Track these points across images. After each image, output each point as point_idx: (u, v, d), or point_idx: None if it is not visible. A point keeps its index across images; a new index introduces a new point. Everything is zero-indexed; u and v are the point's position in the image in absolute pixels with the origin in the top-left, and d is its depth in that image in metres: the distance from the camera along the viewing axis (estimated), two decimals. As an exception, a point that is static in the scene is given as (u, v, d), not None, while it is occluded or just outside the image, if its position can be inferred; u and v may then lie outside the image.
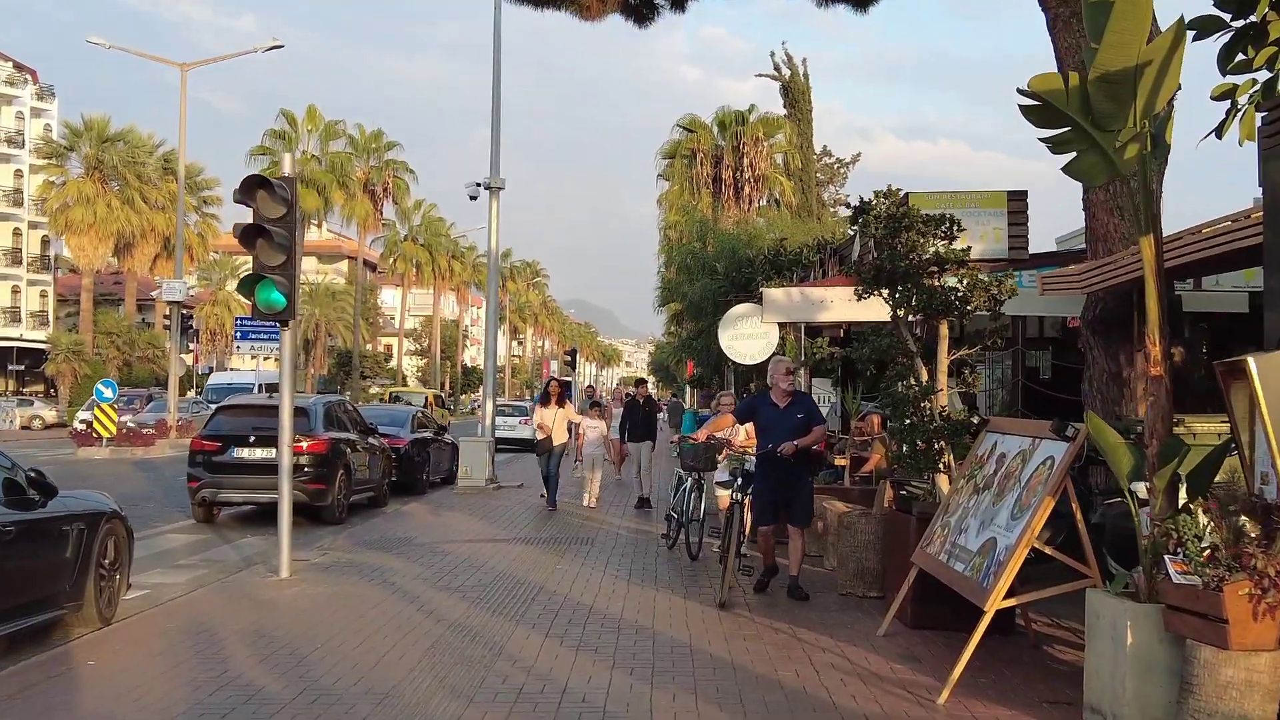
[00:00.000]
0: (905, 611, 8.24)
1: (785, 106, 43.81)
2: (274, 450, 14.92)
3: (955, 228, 8.57)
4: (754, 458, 9.80)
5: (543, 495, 17.47)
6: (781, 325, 14.02)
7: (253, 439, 15.41)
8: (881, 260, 8.41)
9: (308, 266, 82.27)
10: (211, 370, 62.80)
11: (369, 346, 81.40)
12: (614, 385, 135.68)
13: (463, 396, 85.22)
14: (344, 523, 15.62)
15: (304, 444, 15.40)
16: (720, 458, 11.21)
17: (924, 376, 8.55)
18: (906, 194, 9.93)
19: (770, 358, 14.07)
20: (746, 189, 39.96)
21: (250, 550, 13.04)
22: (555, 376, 20.06)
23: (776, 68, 44.60)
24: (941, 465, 8.39)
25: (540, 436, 17.12)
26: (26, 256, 62.85)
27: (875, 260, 8.51)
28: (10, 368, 60.85)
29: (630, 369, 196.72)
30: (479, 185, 22.15)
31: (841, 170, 54.75)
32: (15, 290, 62.39)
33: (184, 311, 37.57)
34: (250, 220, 10.30)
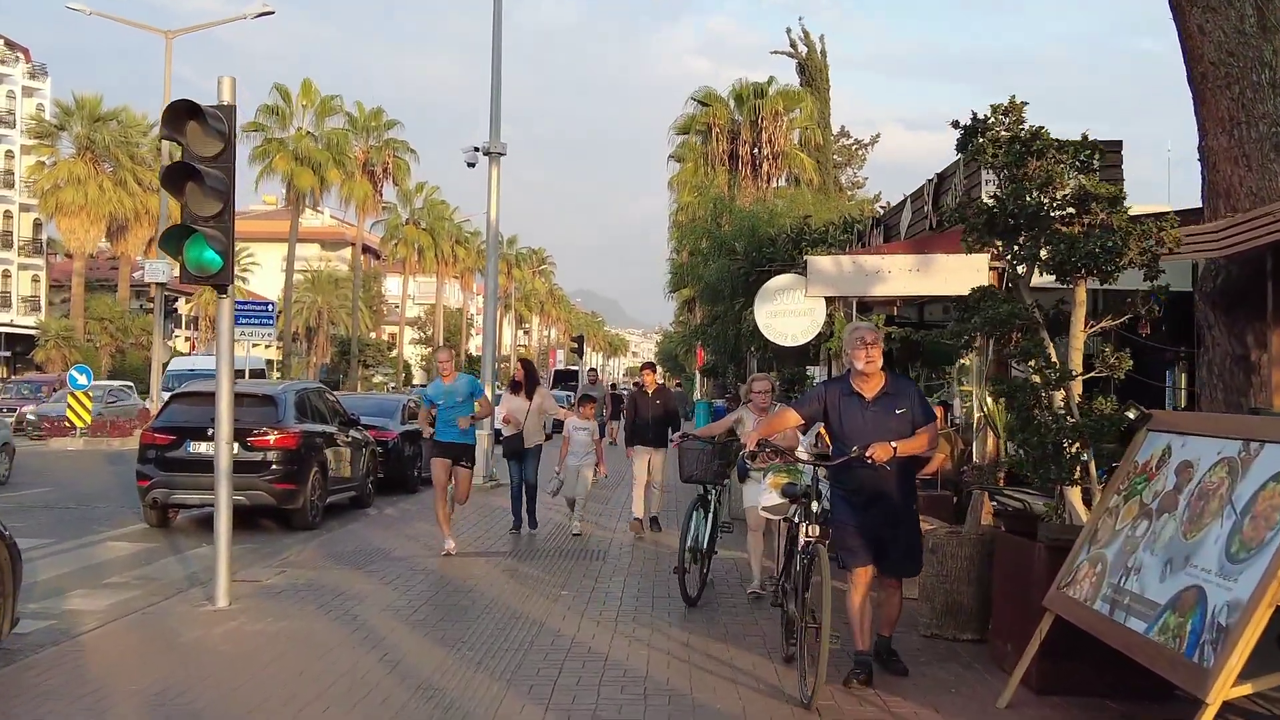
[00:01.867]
0: (1029, 671, 6.11)
1: (802, 85, 41.63)
2: (237, 444, 12.93)
3: (1098, 156, 6.42)
4: (818, 467, 6.85)
5: (511, 530, 13.00)
6: (829, 301, 11.89)
7: (211, 432, 13.22)
8: (1005, 197, 6.23)
9: (310, 253, 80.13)
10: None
11: (372, 335, 79.29)
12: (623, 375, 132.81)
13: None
14: (317, 528, 13.56)
15: (271, 437, 13.39)
16: (754, 465, 8.47)
17: (1053, 356, 6.38)
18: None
19: (835, 336, 11.78)
20: (765, 166, 37.70)
21: (199, 564, 10.95)
22: (525, 359, 14.98)
23: (793, 44, 42.41)
24: (1078, 475, 6.23)
25: (508, 432, 12.97)
26: (18, 240, 60.80)
27: (993, 198, 6.35)
28: (-1, 354, 58.87)
29: (637, 359, 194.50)
30: (477, 150, 19.96)
31: (860, 152, 52.47)
32: (5, 274, 60.38)
33: (170, 295, 35.52)
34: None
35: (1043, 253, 6.26)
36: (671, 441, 12.54)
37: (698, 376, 46.72)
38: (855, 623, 6.45)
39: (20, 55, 62.62)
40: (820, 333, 12.11)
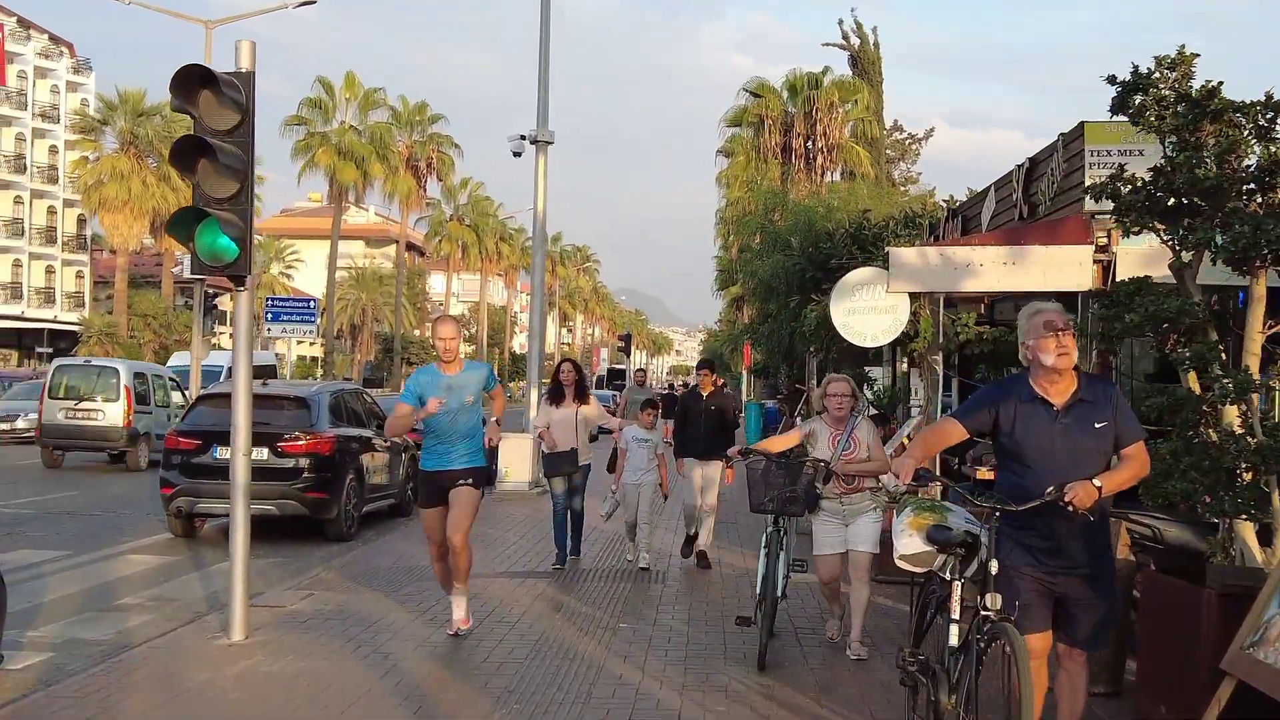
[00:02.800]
0: (1200, 748, 4.99)
1: (855, 77, 40.46)
2: (266, 450, 12.11)
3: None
4: (982, 508, 4.77)
5: (555, 566, 10.69)
6: (912, 297, 10.77)
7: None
8: (1176, 168, 5.11)
9: (354, 250, 79.74)
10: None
11: (416, 332, 78.79)
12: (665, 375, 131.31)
13: (511, 385, 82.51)
14: (352, 539, 12.72)
15: (303, 442, 12.52)
16: (826, 492, 7.29)
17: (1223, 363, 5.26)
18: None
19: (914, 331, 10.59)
20: (819, 159, 36.47)
21: (221, 581, 9.93)
22: (569, 359, 12.42)
23: (845, 36, 41.13)
24: (1253, 509, 5.11)
25: (547, 449, 10.81)
26: (62, 235, 60.72)
27: (1152, 170, 5.23)
28: (40, 350, 58.69)
29: (681, 357, 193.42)
30: (523, 139, 19.01)
31: (914, 146, 51.08)
32: (50, 270, 60.27)
33: (211, 290, 34.87)
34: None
35: (1218, 237, 5.13)
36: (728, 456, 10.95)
37: (745, 376, 45.57)
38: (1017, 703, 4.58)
39: (65, 50, 62.53)
40: (903, 332, 10.98)
